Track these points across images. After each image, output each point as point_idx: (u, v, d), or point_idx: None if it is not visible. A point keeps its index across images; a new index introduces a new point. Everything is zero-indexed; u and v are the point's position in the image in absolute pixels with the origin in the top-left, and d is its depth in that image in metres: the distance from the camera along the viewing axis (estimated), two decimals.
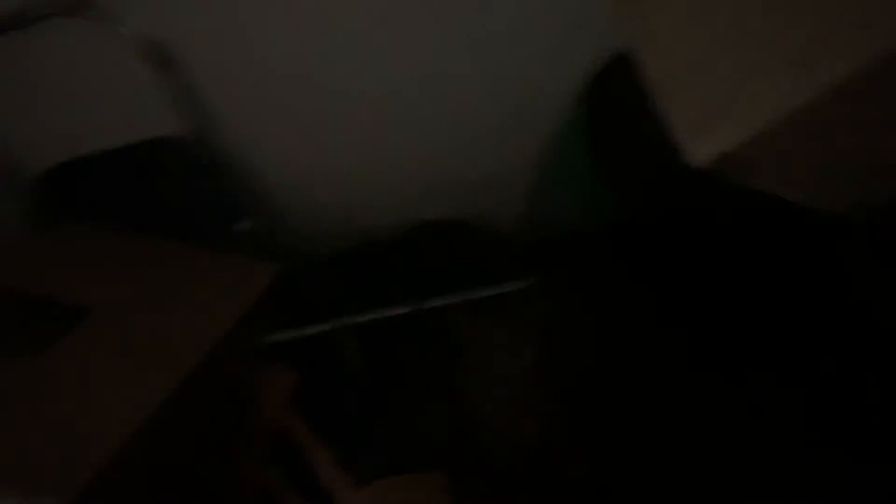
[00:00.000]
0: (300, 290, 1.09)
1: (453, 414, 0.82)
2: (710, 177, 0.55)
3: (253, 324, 0.96)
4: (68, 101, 1.04)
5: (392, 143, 1.10)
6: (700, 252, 0.76)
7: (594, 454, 0.67)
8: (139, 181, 1.09)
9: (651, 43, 0.59)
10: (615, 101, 0.87)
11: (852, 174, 0.57)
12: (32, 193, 1.10)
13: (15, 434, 0.75)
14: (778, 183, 0.55)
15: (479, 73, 1.02)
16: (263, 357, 0.95)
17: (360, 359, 0.96)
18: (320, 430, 0.88)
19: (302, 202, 1.16)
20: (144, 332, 0.89)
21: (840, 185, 0.58)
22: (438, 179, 1.15)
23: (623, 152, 0.86)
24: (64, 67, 1.00)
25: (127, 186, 1.10)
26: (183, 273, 1.01)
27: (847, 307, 0.69)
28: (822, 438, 0.65)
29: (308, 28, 0.96)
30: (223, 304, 0.96)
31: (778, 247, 0.73)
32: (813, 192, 0.56)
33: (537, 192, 1.09)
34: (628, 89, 0.84)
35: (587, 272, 0.86)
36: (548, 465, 0.69)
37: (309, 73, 1.01)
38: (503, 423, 0.73)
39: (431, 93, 1.04)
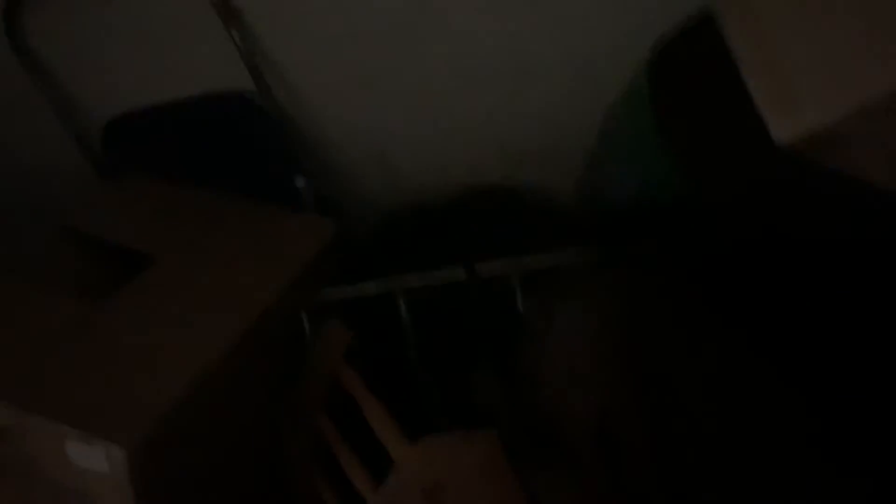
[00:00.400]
0: (355, 251, 1.10)
1: (509, 381, 0.82)
2: (785, 154, 0.55)
3: (314, 278, 0.98)
4: (136, 52, 1.05)
5: (450, 106, 1.09)
6: (789, 244, 0.74)
7: (657, 436, 0.67)
8: (202, 134, 1.11)
9: (744, 14, 0.58)
10: (684, 72, 0.86)
11: None
12: (100, 144, 1.13)
13: (81, 376, 0.77)
14: (861, 165, 0.54)
15: (542, 38, 1.00)
16: (320, 313, 0.97)
17: (414, 322, 0.97)
18: (373, 390, 0.89)
19: (358, 162, 1.17)
20: (209, 282, 0.90)
21: None
22: (495, 145, 1.15)
23: (691, 124, 0.85)
24: (133, 17, 1.01)
25: (190, 140, 1.11)
26: (246, 226, 1.02)
27: None
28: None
29: None
30: (286, 256, 0.97)
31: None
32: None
33: (594, 163, 1.09)
34: (698, 60, 0.83)
35: (664, 253, 0.85)
36: (607, 442, 0.69)
37: (372, 32, 1.01)
38: (561, 393, 0.73)
39: (493, 56, 1.03)
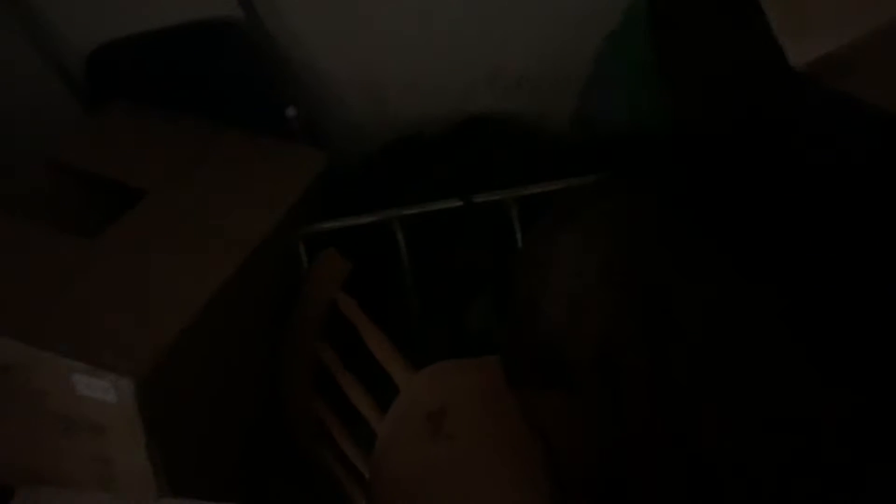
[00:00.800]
0: (348, 181, 1.10)
1: (507, 307, 0.82)
2: (790, 80, 0.55)
3: (307, 208, 0.97)
4: None
5: (441, 32, 1.07)
6: (782, 164, 0.74)
7: (656, 361, 0.68)
8: (188, 63, 1.08)
9: None
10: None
11: None
12: (83, 75, 1.09)
13: (85, 312, 0.77)
14: (875, 88, 0.55)
15: None
16: (317, 243, 0.97)
17: (411, 252, 0.97)
18: (373, 320, 0.89)
19: (348, 92, 1.15)
20: (204, 214, 0.90)
21: None
22: (486, 72, 1.13)
23: (688, 47, 0.85)
24: None
25: (175, 68, 1.08)
26: (236, 157, 1.01)
27: None
28: None
29: None
30: (279, 187, 0.97)
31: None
32: None
33: (589, 89, 1.08)
34: None
35: (661, 177, 0.85)
36: (607, 367, 0.70)
37: None
38: (562, 319, 0.73)
39: None
